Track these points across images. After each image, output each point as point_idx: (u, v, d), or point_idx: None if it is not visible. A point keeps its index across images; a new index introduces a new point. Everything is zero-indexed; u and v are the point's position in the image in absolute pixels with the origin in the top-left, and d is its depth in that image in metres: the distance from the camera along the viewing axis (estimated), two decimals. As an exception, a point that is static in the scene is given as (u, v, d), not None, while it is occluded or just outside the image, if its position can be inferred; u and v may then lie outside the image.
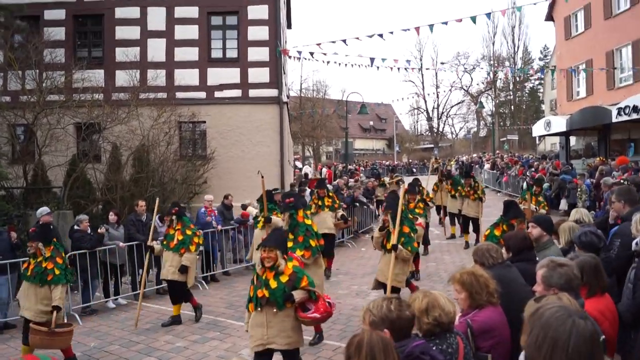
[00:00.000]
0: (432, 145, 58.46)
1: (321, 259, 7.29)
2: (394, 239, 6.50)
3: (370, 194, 16.94)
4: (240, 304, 8.42)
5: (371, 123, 66.87)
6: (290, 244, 6.58)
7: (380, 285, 7.01)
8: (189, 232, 7.92)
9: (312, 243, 6.95)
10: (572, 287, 3.05)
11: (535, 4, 10.83)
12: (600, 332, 2.03)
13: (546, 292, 3.04)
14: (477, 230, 12.85)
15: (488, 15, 13.31)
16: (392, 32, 11.96)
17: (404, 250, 6.54)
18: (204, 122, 15.89)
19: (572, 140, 25.78)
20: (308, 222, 7.22)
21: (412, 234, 6.75)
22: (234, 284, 10.53)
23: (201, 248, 8.94)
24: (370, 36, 11.87)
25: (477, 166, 33.76)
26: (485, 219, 17.33)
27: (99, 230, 9.10)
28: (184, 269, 7.68)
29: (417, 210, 10.15)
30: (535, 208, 10.62)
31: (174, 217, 7.97)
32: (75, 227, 9.13)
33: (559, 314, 1.82)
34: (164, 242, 7.99)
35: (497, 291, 3.34)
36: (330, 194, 11.14)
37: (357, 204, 15.03)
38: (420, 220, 9.97)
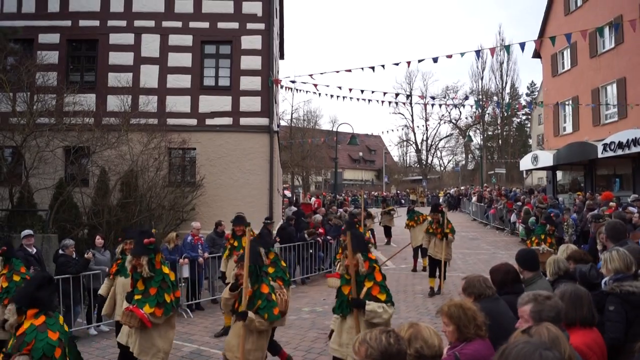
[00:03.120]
0: (420, 177, 58.90)
1: (174, 319, 5.80)
2: (243, 303, 4.96)
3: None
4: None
5: (361, 154, 67.39)
6: (138, 297, 5.36)
7: None
8: (16, 278, 6.37)
9: (167, 298, 5.46)
10: (560, 319, 3.05)
11: (522, 48, 11.06)
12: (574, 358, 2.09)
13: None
14: (440, 274, 11.32)
15: (477, 53, 13.62)
16: (383, 66, 12.17)
17: (256, 320, 4.91)
18: (194, 149, 15.89)
19: (559, 174, 26.08)
20: (166, 270, 5.71)
21: (272, 295, 5.18)
22: (219, 312, 10.37)
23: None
24: (362, 69, 12.05)
25: (465, 199, 33.97)
26: (473, 251, 17.46)
27: (85, 256, 8.96)
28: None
29: None
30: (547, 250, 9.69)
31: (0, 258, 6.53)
32: (60, 251, 9.00)
33: (525, 350, 1.88)
34: None
35: (485, 324, 3.32)
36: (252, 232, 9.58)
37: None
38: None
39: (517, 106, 41.68)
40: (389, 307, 4.82)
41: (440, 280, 11.17)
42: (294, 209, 18.48)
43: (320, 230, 14.23)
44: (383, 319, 4.71)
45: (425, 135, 61.59)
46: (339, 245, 10.11)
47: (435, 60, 11.46)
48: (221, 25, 16.27)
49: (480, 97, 55.28)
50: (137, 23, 16.09)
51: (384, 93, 13.78)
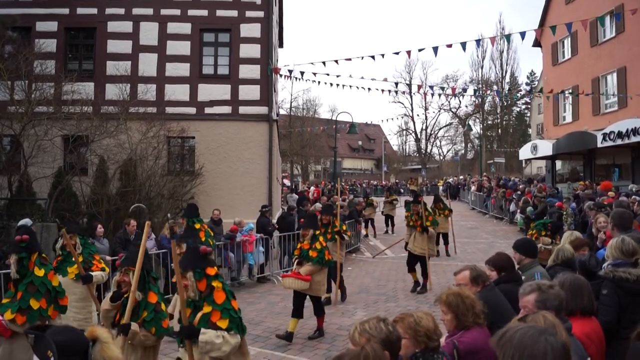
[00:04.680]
0: (419, 166, 58.90)
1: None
2: (127, 315, 4.20)
3: (358, 215, 17.00)
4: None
5: (360, 143, 67.32)
6: (6, 301, 4.52)
7: None
8: None
9: (34, 304, 4.42)
10: (563, 308, 3.07)
11: (523, 37, 10.95)
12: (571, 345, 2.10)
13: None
14: (424, 271, 10.59)
15: (478, 42, 13.55)
16: (383, 55, 12.07)
17: (140, 334, 4.19)
18: (193, 137, 15.86)
19: (558, 164, 26.08)
20: (40, 272, 4.58)
21: (162, 305, 4.45)
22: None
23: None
24: (362, 57, 11.98)
25: (464, 188, 34.00)
26: (472, 240, 17.51)
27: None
28: None
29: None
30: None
31: None
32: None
33: (531, 333, 1.88)
34: None
35: (483, 312, 3.34)
36: (201, 226, 8.71)
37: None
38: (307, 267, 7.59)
39: (518, 95, 41.50)
40: (231, 337, 3.90)
41: (429, 277, 10.61)
42: (296, 196, 18.50)
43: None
44: (222, 352, 3.85)
45: (424, 124, 61.59)
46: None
47: (435, 51, 11.35)
48: (220, 13, 16.17)
49: (480, 86, 55.15)
50: (136, 11, 15.98)
51: (384, 79, 13.74)
